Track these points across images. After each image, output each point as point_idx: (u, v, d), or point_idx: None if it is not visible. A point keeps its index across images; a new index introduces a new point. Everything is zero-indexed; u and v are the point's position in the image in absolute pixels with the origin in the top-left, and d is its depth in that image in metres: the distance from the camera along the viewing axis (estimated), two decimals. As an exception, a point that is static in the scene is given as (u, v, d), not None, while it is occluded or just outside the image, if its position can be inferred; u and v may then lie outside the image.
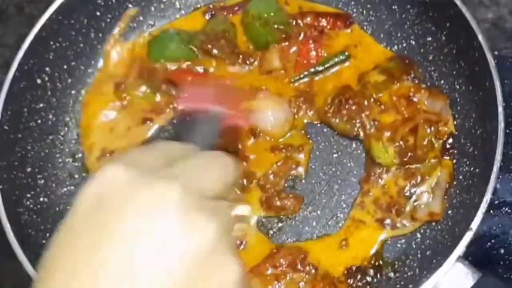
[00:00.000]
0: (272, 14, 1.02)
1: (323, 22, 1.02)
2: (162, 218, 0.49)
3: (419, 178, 0.93)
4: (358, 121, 0.96)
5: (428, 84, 0.98)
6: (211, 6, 1.06)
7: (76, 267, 0.48)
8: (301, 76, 1.01)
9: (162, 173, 0.53)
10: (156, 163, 0.56)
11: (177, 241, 0.49)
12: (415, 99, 0.96)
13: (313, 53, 1.01)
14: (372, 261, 0.91)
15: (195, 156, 0.59)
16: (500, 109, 0.86)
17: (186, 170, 0.55)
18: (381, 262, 0.91)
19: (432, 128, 0.94)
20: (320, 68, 1.01)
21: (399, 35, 1.02)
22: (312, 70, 1.01)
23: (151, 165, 0.55)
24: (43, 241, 0.91)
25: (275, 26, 1.02)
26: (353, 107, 0.96)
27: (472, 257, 0.91)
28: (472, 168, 0.91)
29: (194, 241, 0.50)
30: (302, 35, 1.02)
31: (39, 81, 0.96)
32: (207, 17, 1.06)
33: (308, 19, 1.03)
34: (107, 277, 0.47)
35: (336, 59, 1.01)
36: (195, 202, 0.51)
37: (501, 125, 0.85)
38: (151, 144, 0.61)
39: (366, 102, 0.96)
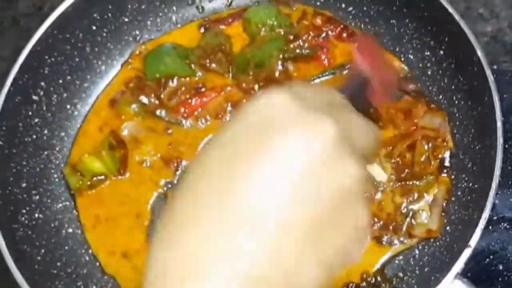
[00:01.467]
0: (273, 18, 1.02)
1: (330, 29, 1.02)
2: (311, 145, 0.49)
3: (416, 194, 0.92)
4: None
5: (427, 99, 0.98)
6: (206, 19, 1.06)
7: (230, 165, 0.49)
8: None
9: (324, 111, 0.53)
10: (318, 100, 0.56)
11: (320, 174, 0.49)
12: (413, 114, 0.96)
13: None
14: (370, 278, 0.90)
15: (354, 112, 0.60)
16: (499, 124, 0.85)
17: (345, 119, 0.55)
18: (379, 279, 0.90)
19: (430, 145, 0.94)
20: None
21: (397, 49, 1.01)
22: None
23: (315, 101, 0.55)
24: (38, 258, 0.90)
25: (279, 30, 1.01)
26: None
27: (471, 273, 0.91)
28: (470, 184, 0.90)
29: (336, 179, 0.50)
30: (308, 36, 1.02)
31: (34, 96, 0.95)
32: (201, 30, 1.05)
33: (318, 20, 1.02)
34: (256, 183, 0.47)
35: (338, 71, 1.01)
36: (346, 145, 0.51)
37: (500, 140, 0.85)
38: (314, 84, 0.61)
39: None
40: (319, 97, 0.57)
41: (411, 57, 1.00)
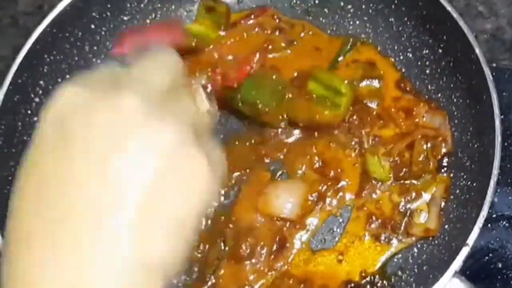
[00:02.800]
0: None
1: None
2: (125, 128, 0.50)
3: (414, 194, 0.92)
4: (356, 139, 0.95)
5: (427, 97, 0.98)
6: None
7: (49, 188, 0.49)
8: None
9: (114, 87, 0.53)
10: (106, 81, 0.56)
11: (144, 146, 0.50)
12: (414, 113, 0.96)
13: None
14: (369, 277, 0.90)
15: (136, 63, 0.59)
16: (497, 122, 0.85)
17: (132, 77, 0.56)
18: (378, 278, 0.90)
19: (429, 144, 0.93)
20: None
21: (396, 47, 1.01)
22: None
23: (103, 83, 0.55)
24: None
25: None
26: (356, 122, 0.95)
27: (470, 272, 0.91)
28: (469, 182, 0.90)
29: (160, 143, 0.50)
30: None
31: (33, 95, 0.95)
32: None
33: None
34: (83, 196, 0.48)
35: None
36: (151, 103, 0.52)
37: (498, 138, 0.85)
38: (98, 68, 0.61)
39: (368, 118, 0.96)
40: (105, 79, 0.56)
41: (410, 55, 1.00)
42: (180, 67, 0.61)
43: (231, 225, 0.91)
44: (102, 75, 0.58)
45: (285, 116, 0.96)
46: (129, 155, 0.49)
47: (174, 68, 0.60)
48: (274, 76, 0.97)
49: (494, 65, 1.03)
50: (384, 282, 0.90)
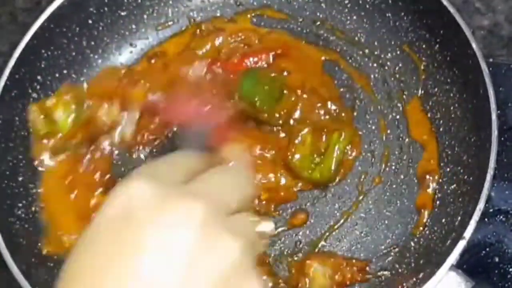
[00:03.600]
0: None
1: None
2: (186, 238, 0.49)
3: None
4: None
5: (423, 92, 0.98)
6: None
7: (93, 277, 0.49)
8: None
9: (185, 189, 0.54)
10: (177, 176, 0.56)
11: (199, 261, 0.49)
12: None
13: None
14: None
15: (214, 169, 0.60)
16: (494, 117, 0.86)
17: (208, 185, 0.56)
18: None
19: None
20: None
21: (393, 42, 1.01)
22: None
23: (173, 178, 0.56)
24: (35, 251, 0.91)
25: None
26: None
27: (467, 266, 0.91)
28: (466, 176, 0.90)
29: (218, 261, 0.50)
30: None
31: (30, 90, 0.96)
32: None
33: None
34: None
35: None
36: (218, 221, 0.51)
37: (495, 133, 0.85)
38: (169, 156, 0.62)
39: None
40: (176, 173, 0.57)
41: (406, 50, 1.00)
42: (252, 187, 0.62)
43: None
44: (176, 164, 0.60)
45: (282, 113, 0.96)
46: (178, 269, 0.48)
47: (247, 189, 0.61)
48: (272, 74, 0.98)
49: (491, 60, 1.03)
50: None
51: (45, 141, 0.95)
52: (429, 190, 0.94)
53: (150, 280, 0.47)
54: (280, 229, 0.94)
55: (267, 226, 0.63)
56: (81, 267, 0.51)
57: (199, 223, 0.50)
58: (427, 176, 0.94)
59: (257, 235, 0.61)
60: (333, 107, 0.98)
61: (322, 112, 0.97)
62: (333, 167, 0.94)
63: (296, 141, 0.94)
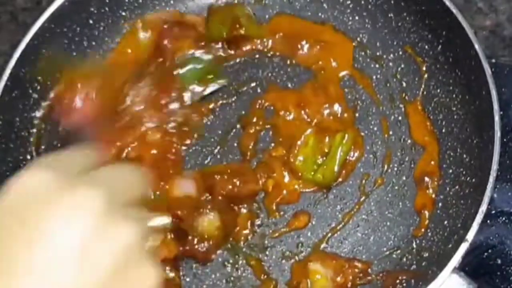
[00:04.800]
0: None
1: None
2: (81, 223, 0.51)
3: None
4: None
5: (425, 93, 0.98)
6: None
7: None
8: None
9: (83, 178, 0.56)
10: (76, 167, 0.58)
11: (93, 246, 0.51)
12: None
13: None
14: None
15: (110, 165, 0.61)
16: (497, 118, 0.85)
17: (104, 177, 0.58)
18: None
19: None
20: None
21: (395, 43, 1.01)
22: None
23: (73, 169, 0.57)
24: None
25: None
26: None
27: (469, 268, 0.91)
28: (468, 178, 0.90)
29: (110, 245, 0.52)
30: None
31: (31, 90, 0.95)
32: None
33: None
34: (17, 274, 0.48)
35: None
36: (113, 209, 0.53)
37: (498, 134, 0.85)
38: (70, 149, 0.63)
39: None
40: (75, 164, 0.59)
41: (409, 51, 1.00)
42: (144, 187, 0.64)
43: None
44: (76, 156, 0.61)
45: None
46: (74, 252, 0.50)
47: (139, 188, 0.63)
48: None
49: (493, 61, 1.02)
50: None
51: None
52: (428, 192, 0.94)
53: (42, 274, 0.49)
54: (282, 230, 0.94)
55: (161, 220, 0.65)
56: None
57: (95, 210, 0.52)
58: (426, 178, 0.94)
59: (151, 228, 0.62)
60: (338, 108, 0.98)
61: (327, 112, 0.97)
62: (336, 169, 0.94)
63: (299, 142, 0.94)
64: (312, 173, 0.94)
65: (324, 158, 0.94)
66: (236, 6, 1.04)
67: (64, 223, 0.50)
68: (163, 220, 0.66)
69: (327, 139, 0.94)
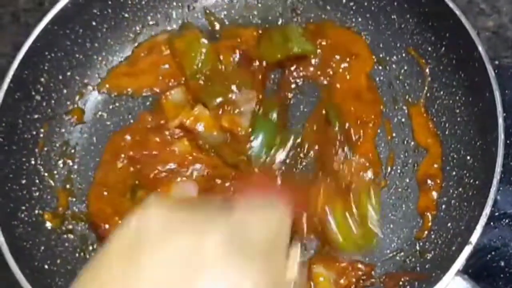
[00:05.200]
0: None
1: None
2: (203, 260, 0.51)
3: None
4: None
5: (428, 95, 0.98)
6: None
7: None
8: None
9: (202, 225, 0.54)
10: (197, 214, 0.57)
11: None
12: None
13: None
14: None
15: (241, 209, 0.60)
16: (500, 120, 0.85)
17: (227, 222, 0.56)
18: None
19: None
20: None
21: (398, 45, 1.01)
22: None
23: (193, 215, 0.56)
24: (38, 254, 0.90)
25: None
26: None
27: (472, 270, 0.90)
28: (472, 180, 0.90)
29: None
30: None
31: (34, 92, 0.95)
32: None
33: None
34: None
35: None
36: (237, 247, 0.52)
37: (501, 136, 0.85)
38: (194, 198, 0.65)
39: None
40: (196, 211, 0.58)
41: (412, 52, 1.00)
42: (287, 226, 0.62)
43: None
44: (196, 204, 0.61)
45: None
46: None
47: (278, 228, 0.60)
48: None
49: (496, 62, 1.02)
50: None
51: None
52: (431, 194, 0.94)
53: None
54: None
55: (301, 254, 0.64)
56: (92, 279, 0.52)
57: (210, 256, 0.51)
58: (429, 180, 0.94)
59: (283, 275, 0.61)
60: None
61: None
62: (373, 226, 0.92)
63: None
64: (353, 244, 0.92)
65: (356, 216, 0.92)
66: (287, 26, 1.03)
67: (172, 269, 0.51)
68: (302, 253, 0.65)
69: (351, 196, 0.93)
